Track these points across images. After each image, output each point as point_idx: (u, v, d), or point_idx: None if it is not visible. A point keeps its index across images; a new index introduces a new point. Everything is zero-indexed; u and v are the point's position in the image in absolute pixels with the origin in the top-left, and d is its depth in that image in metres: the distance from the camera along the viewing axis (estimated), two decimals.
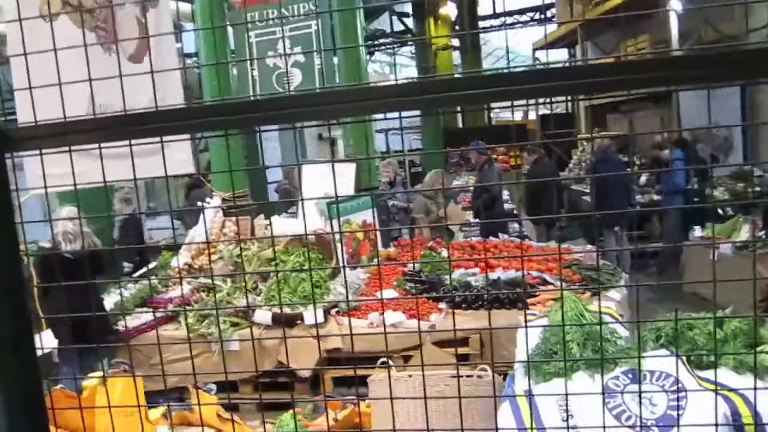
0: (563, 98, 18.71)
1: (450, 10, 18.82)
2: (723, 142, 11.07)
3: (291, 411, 3.29)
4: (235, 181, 7.56)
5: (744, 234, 6.96)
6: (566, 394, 2.08)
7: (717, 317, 2.29)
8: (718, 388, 1.99)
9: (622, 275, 6.01)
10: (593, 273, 6.01)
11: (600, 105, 15.51)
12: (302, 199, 6.38)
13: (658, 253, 9.11)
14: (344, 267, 6.11)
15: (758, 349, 2.22)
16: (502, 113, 25.48)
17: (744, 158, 11.50)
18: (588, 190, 11.77)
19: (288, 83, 7.59)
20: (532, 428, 2.16)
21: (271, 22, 7.79)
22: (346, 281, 5.75)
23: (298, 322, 5.60)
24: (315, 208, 6.68)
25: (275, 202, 11.56)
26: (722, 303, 2.37)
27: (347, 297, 5.52)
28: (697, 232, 7.63)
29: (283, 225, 7.01)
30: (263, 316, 5.67)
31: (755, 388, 1.99)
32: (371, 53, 20.03)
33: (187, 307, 6.04)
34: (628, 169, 10.61)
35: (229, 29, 8.64)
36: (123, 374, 2.43)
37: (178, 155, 4.94)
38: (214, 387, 3.70)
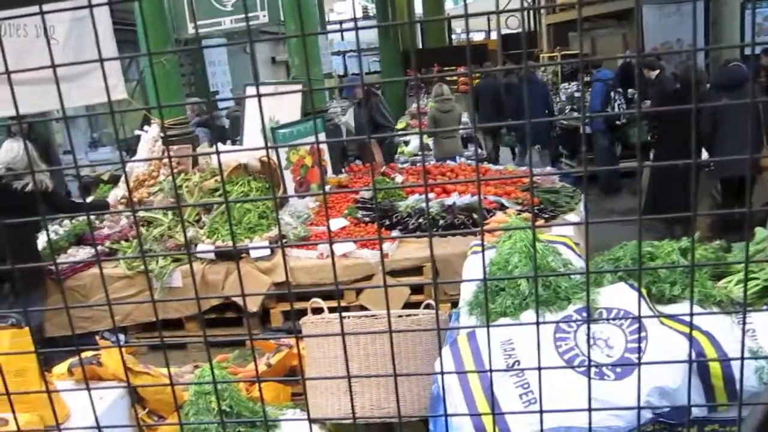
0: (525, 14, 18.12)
1: None
2: (685, 60, 10.82)
3: (218, 357, 3.03)
4: (174, 108, 7.02)
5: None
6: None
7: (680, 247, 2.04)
8: (683, 326, 1.75)
9: (581, 197, 5.79)
10: (552, 196, 5.80)
11: (561, 23, 15.09)
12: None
13: (597, 176, 9.03)
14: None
15: (724, 280, 1.99)
16: (464, 34, 24.81)
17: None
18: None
19: None
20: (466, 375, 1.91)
21: None
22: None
23: (243, 255, 5.30)
24: (260, 134, 6.26)
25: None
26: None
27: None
28: None
29: (226, 153, 6.59)
30: (206, 249, 5.36)
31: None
32: None
33: (125, 243, 5.68)
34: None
35: None
36: (11, 327, 2.10)
37: (101, 82, 4.53)
38: (122, 337, 3.37)
